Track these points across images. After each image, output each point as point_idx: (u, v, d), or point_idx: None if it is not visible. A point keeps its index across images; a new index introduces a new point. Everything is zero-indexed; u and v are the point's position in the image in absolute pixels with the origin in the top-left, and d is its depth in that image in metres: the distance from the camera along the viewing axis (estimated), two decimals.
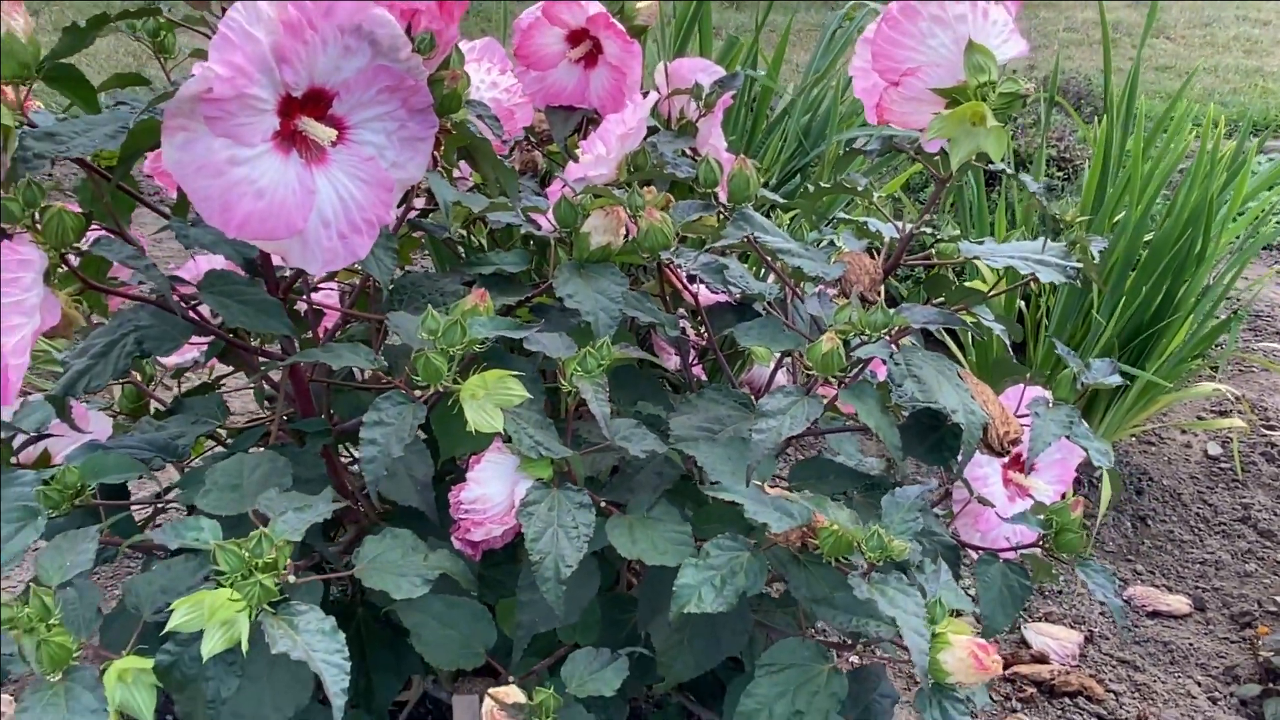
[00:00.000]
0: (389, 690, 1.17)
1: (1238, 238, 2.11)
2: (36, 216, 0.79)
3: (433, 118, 0.87)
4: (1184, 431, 2.33)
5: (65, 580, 0.84)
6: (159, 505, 1.27)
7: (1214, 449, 2.28)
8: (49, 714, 0.75)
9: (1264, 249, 3.40)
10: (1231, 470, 2.21)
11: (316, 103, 0.82)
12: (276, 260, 1.01)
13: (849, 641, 1.10)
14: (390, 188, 0.87)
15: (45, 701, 0.76)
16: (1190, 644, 1.72)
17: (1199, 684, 1.64)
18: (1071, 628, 1.74)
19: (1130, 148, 1.88)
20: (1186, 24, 7.04)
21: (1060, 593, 1.83)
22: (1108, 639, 1.73)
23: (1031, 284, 1.09)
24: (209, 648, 0.76)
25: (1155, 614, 1.80)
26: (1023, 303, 2.17)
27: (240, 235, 0.81)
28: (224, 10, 0.89)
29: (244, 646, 0.77)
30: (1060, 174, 3.12)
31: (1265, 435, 2.33)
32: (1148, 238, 1.91)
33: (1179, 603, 1.82)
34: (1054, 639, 1.68)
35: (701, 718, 1.31)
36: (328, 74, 0.81)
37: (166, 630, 0.78)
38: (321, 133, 0.81)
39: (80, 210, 0.89)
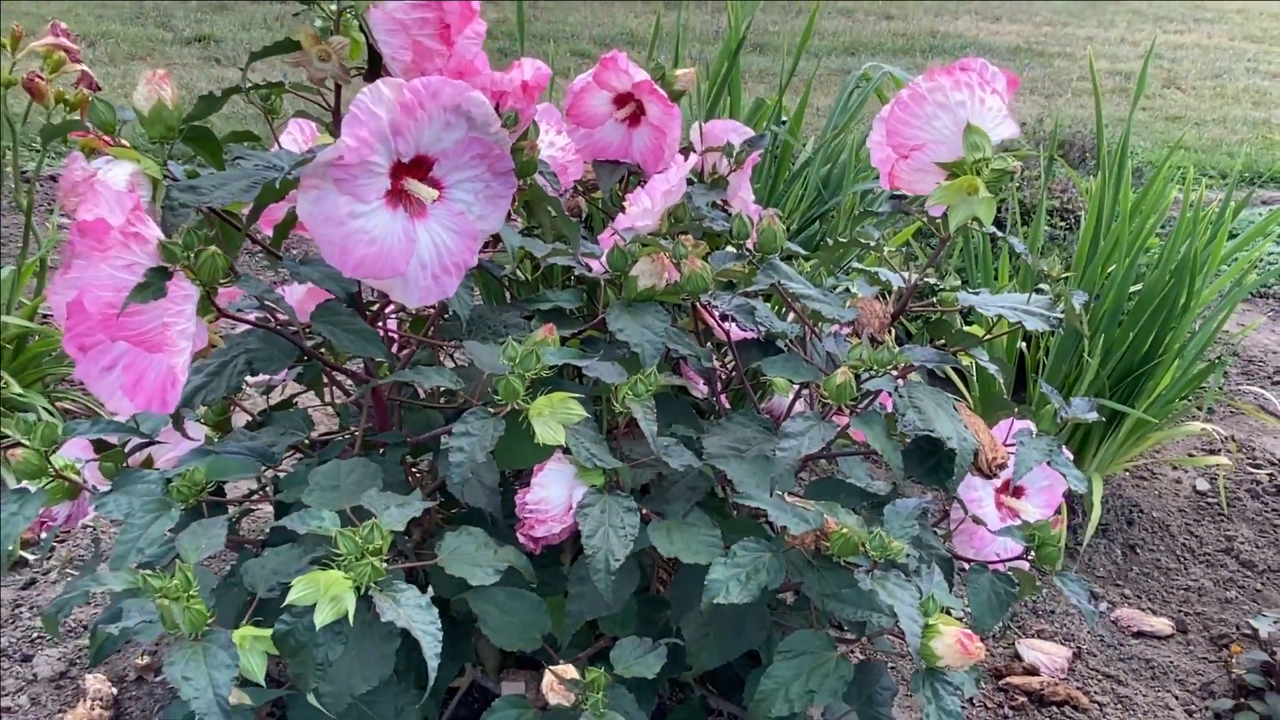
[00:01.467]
0: (446, 675, 1.32)
1: (1222, 292, 2.26)
2: (192, 258, 0.95)
3: (513, 180, 1.04)
4: (1175, 468, 2.47)
5: (198, 560, 1.01)
6: (247, 506, 1.43)
7: (1202, 485, 2.42)
8: (191, 667, 0.91)
9: (1259, 296, 3.55)
10: (1218, 505, 2.35)
11: (420, 167, 0.99)
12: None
13: (854, 636, 1.26)
14: (475, 237, 1.04)
15: (187, 658, 0.92)
16: (1171, 662, 1.87)
17: (1177, 698, 1.78)
18: (1061, 644, 1.88)
19: (1121, 204, 2.04)
20: (1198, 75, 7.21)
21: (1052, 613, 1.97)
22: (1095, 655, 1.87)
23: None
24: (321, 618, 0.92)
25: (1140, 634, 1.94)
26: (1024, 344, 2.32)
27: (354, 275, 0.98)
28: (335, 85, 1.07)
29: (350, 618, 0.92)
30: (1062, 224, 3.26)
31: (1251, 473, 2.47)
32: (1136, 287, 2.07)
33: (1162, 624, 1.96)
34: (1044, 653, 1.83)
35: (723, 711, 1.46)
36: (431, 144, 0.98)
37: (285, 604, 0.93)
38: (425, 193, 0.98)
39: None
